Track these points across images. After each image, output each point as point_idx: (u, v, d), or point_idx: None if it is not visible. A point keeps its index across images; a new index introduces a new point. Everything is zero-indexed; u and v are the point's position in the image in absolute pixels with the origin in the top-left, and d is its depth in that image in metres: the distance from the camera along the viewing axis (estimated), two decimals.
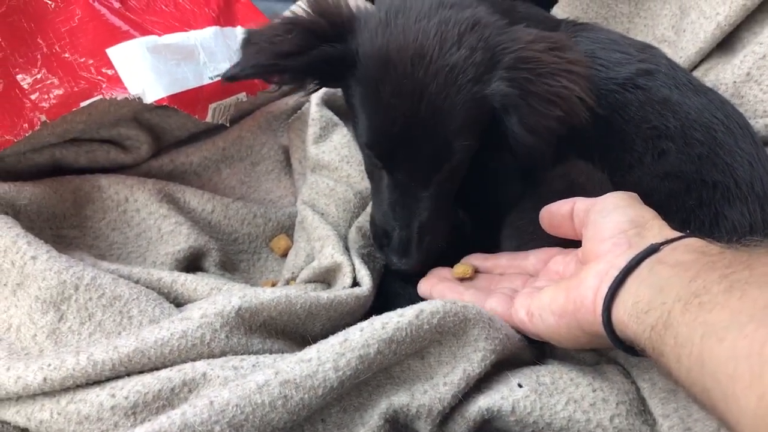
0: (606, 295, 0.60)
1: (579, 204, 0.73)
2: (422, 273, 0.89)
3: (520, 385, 0.65)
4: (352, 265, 0.83)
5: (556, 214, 0.76)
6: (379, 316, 0.64)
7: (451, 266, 0.88)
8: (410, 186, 0.81)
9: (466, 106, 0.77)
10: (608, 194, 0.72)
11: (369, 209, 0.98)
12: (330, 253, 0.82)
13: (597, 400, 0.64)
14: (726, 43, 1.10)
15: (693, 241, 0.61)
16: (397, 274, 0.89)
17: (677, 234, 0.63)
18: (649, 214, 0.68)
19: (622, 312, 0.59)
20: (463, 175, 0.88)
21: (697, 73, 1.10)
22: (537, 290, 0.72)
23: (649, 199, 0.82)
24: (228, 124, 0.98)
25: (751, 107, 0.99)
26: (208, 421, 0.56)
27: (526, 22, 0.86)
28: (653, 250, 0.61)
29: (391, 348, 0.62)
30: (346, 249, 0.88)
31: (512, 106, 0.78)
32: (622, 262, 0.61)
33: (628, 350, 0.60)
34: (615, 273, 0.61)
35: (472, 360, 0.64)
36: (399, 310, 0.64)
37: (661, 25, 1.23)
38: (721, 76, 1.05)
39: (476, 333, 0.65)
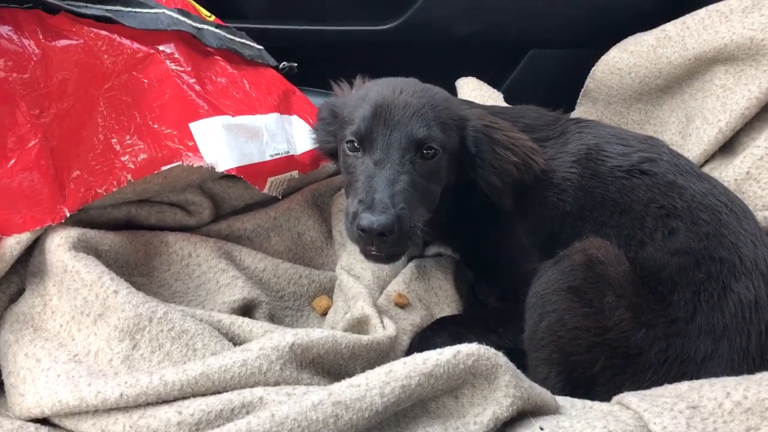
0: None
1: None
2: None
3: (541, 428, 0.71)
4: (381, 318, 0.91)
5: None
6: (420, 353, 0.71)
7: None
8: (387, 162, 0.93)
9: (436, 111, 0.97)
10: None
11: (399, 278, 1.08)
12: (361, 305, 0.91)
13: None
14: (727, 146, 1.23)
15: None
16: (367, 240, 0.89)
17: None
18: None
19: None
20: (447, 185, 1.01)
21: None
22: None
23: (661, 273, 0.92)
24: (280, 197, 1.10)
25: (751, 202, 1.10)
26: (269, 431, 0.63)
27: (520, 120, 1.10)
28: None
29: (429, 382, 0.69)
30: (376, 307, 0.96)
31: (481, 149, 0.99)
32: None
33: None
34: None
35: (501, 404, 0.71)
36: (438, 349, 0.72)
37: (669, 131, 1.37)
38: (723, 175, 1.16)
39: (507, 379, 0.71)
